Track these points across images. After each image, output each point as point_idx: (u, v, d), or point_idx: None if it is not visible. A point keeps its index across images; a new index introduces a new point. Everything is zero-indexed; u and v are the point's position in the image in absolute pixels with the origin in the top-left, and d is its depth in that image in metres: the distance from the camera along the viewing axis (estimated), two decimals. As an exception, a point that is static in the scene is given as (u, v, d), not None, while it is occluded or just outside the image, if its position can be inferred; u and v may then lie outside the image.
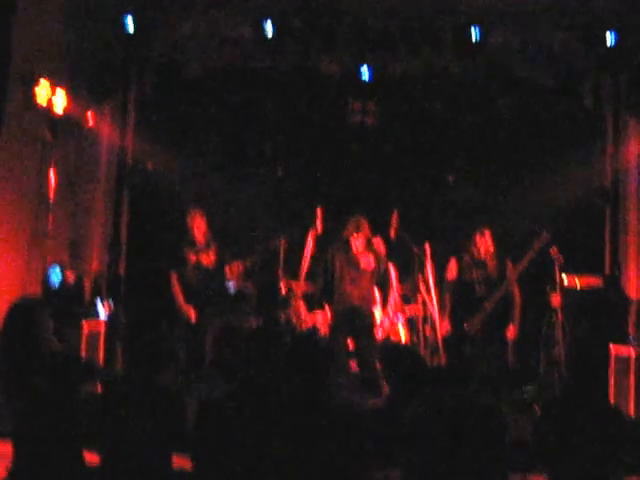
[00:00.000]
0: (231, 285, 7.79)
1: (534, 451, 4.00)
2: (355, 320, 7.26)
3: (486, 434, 3.63)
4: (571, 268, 7.34)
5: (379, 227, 7.49)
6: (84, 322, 7.03)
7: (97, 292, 7.80)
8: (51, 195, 7.01)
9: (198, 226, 7.39)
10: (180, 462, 4.00)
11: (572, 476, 3.80)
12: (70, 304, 7.26)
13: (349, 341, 7.39)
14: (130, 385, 3.98)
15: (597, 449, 3.77)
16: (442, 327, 7.15)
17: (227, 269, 7.38)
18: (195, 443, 3.64)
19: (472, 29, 7.73)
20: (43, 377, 3.97)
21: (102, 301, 7.57)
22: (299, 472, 3.43)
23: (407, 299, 7.60)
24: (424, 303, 7.36)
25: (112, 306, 7.62)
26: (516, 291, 7.18)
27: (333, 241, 7.49)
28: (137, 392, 3.90)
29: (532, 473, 4.46)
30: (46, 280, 7.16)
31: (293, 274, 7.52)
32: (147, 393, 3.88)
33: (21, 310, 4.23)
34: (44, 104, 6.86)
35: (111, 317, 7.55)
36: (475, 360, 6.81)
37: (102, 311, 7.50)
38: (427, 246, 7.30)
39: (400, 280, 7.51)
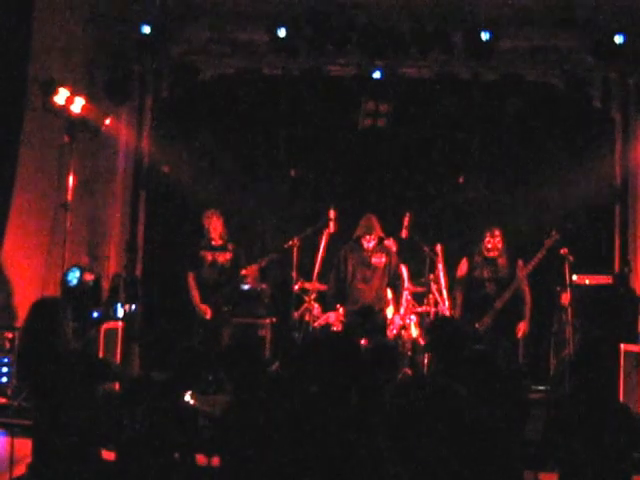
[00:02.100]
0: (246, 285, 7.89)
1: (545, 449, 4.04)
2: (368, 319, 7.30)
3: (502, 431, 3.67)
4: (581, 266, 7.37)
5: (391, 227, 7.56)
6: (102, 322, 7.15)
7: (115, 293, 7.88)
8: (69, 197, 7.10)
9: (214, 227, 7.45)
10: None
11: (583, 474, 3.84)
12: (88, 304, 7.36)
13: (362, 340, 7.43)
14: (147, 384, 4.09)
15: (607, 447, 3.82)
16: (453, 326, 7.18)
17: (242, 269, 7.47)
18: (220, 441, 3.72)
19: (482, 32, 7.80)
20: (62, 376, 4.03)
21: (119, 301, 7.66)
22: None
23: (419, 298, 7.65)
24: (436, 302, 7.40)
25: (129, 306, 7.71)
26: (526, 290, 7.21)
27: (346, 241, 7.57)
28: (156, 390, 3.99)
29: (543, 471, 4.49)
30: (65, 281, 7.25)
31: (306, 274, 7.58)
32: (166, 391, 3.98)
33: (42, 310, 4.32)
34: (63, 108, 6.96)
35: (128, 317, 7.65)
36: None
37: (120, 311, 7.60)
38: (438, 246, 7.35)
39: (412, 280, 7.58)
